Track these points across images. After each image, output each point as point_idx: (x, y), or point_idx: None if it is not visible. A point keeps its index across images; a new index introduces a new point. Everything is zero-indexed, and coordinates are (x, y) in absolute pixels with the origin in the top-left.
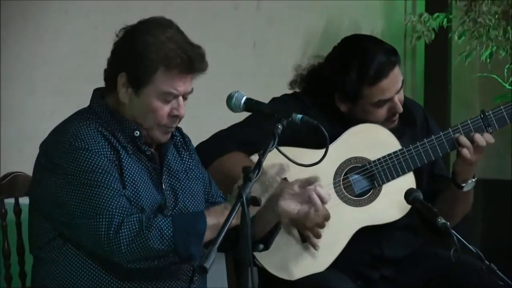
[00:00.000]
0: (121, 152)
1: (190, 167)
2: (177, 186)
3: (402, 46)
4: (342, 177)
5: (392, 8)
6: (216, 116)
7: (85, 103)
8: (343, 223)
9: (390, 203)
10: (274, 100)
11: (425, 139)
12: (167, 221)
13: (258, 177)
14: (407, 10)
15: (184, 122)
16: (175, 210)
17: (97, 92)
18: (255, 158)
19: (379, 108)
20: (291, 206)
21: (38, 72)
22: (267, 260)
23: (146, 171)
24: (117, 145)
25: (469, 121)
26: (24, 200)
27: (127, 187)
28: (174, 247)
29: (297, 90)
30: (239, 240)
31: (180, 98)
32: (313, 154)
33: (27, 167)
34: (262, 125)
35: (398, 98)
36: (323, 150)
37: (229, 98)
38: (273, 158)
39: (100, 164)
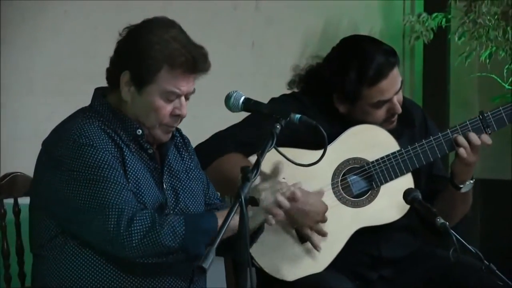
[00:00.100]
0: (124, 149)
1: (190, 167)
2: (178, 186)
3: (400, 46)
4: (340, 178)
5: (390, 8)
6: (214, 116)
7: (84, 103)
8: (342, 224)
9: (389, 203)
10: (272, 100)
11: (423, 140)
12: (179, 219)
13: (256, 177)
14: (406, 10)
15: (182, 122)
16: (176, 210)
17: (98, 91)
18: (253, 159)
19: (378, 109)
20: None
21: (37, 72)
22: (265, 261)
23: (148, 170)
24: (120, 142)
25: (467, 122)
26: (23, 200)
27: (130, 184)
28: (185, 245)
29: (296, 90)
30: (237, 240)
31: (183, 97)
32: (312, 155)
33: (26, 167)
34: (261, 125)
35: (397, 99)
36: (321, 151)
37: (228, 98)
38: (272, 158)
39: (105, 160)
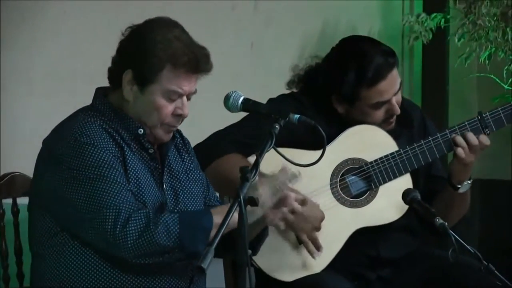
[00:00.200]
0: (125, 148)
1: (191, 168)
2: (178, 186)
3: (400, 46)
4: (339, 178)
5: (389, 8)
6: (213, 116)
7: (84, 103)
8: (340, 224)
9: (387, 204)
10: (271, 100)
11: (422, 141)
12: (173, 217)
13: (255, 177)
14: (405, 10)
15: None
16: (175, 211)
17: (100, 91)
18: (252, 159)
19: (377, 110)
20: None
21: (36, 73)
22: (264, 261)
23: (148, 170)
24: (121, 142)
25: (466, 123)
26: (22, 201)
27: (131, 184)
28: (180, 244)
29: (295, 90)
30: (236, 241)
31: (184, 97)
32: (310, 155)
33: (25, 167)
34: (260, 125)
35: (396, 100)
36: (319, 151)
37: (227, 98)
38: (270, 158)
39: (106, 159)
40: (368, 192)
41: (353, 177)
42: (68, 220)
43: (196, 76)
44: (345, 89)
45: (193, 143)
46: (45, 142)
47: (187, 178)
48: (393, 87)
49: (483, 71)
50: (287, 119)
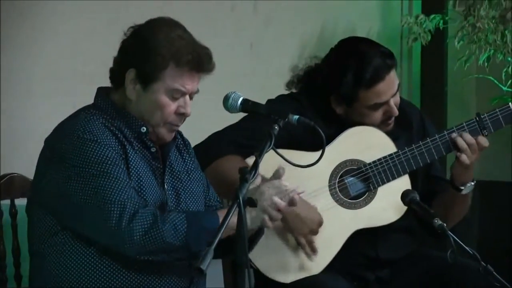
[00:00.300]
0: (127, 147)
1: (191, 169)
2: (179, 186)
3: (398, 47)
4: (337, 180)
5: (388, 9)
6: (212, 117)
7: (83, 104)
8: (339, 225)
9: (386, 205)
10: (269, 101)
11: (420, 142)
12: (181, 217)
13: (255, 178)
14: (404, 12)
15: None
16: (177, 210)
17: (101, 90)
18: (250, 161)
19: (375, 111)
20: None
21: (34, 73)
22: (262, 262)
23: (150, 169)
24: (123, 140)
25: (464, 124)
26: (20, 202)
27: (132, 182)
28: (186, 243)
29: (294, 90)
30: (236, 241)
31: (187, 96)
32: (309, 156)
33: (23, 168)
34: (259, 126)
35: (394, 102)
36: (318, 152)
37: (226, 99)
38: (269, 159)
39: (109, 156)
40: (366, 193)
41: (352, 178)
42: (71, 217)
43: (199, 75)
44: (343, 90)
45: (192, 144)
46: (47, 141)
47: (188, 178)
48: (391, 89)
49: (481, 72)
50: (286, 119)
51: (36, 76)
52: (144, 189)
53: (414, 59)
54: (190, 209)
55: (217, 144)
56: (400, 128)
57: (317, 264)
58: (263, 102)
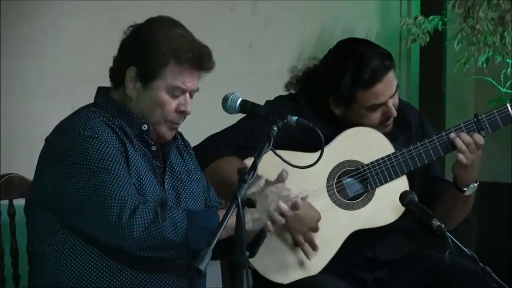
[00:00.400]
0: (127, 145)
1: (192, 169)
2: (180, 186)
3: (397, 48)
4: (335, 180)
5: (387, 10)
6: (211, 117)
7: (82, 104)
8: (337, 226)
9: (384, 206)
10: (268, 102)
11: (418, 143)
12: (181, 214)
13: (253, 178)
14: (402, 13)
15: None
16: None
17: (101, 90)
18: (248, 162)
19: (373, 112)
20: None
21: (33, 74)
22: (260, 263)
23: (150, 167)
24: (123, 138)
25: (462, 125)
26: (19, 202)
27: (132, 179)
28: (186, 241)
29: (293, 91)
30: (234, 242)
31: (187, 94)
32: (307, 157)
33: (22, 168)
34: (257, 127)
35: (392, 103)
36: (317, 154)
37: (225, 99)
38: (268, 159)
39: (109, 153)
40: (364, 194)
41: (350, 179)
42: (72, 215)
43: (199, 73)
44: (341, 91)
45: (191, 144)
46: (48, 139)
47: (189, 178)
48: (389, 90)
49: (480, 74)
50: (285, 120)
51: (36, 76)
52: (144, 187)
53: (413, 60)
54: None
55: (216, 145)
56: (399, 129)
57: (315, 265)
58: (262, 102)
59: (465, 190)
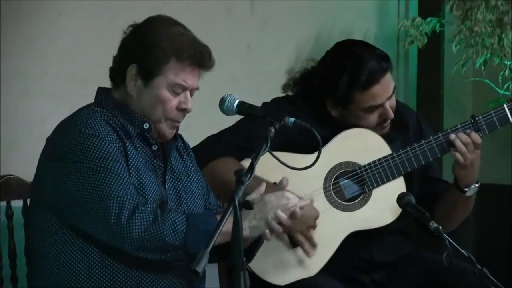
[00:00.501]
0: (127, 144)
1: (192, 170)
2: (180, 187)
3: (395, 50)
4: (332, 182)
5: (385, 12)
6: (208, 119)
7: (80, 105)
8: (334, 228)
9: (381, 207)
10: (265, 104)
11: (415, 144)
12: (181, 217)
13: (250, 180)
14: (400, 14)
15: None
16: (178, 210)
17: (102, 89)
18: (246, 163)
19: (370, 114)
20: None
21: (32, 75)
22: (257, 264)
23: (151, 167)
24: (124, 137)
25: (459, 126)
26: (16, 204)
27: (132, 179)
28: (184, 244)
29: (290, 93)
30: (231, 243)
31: (188, 92)
32: (304, 159)
33: (21, 169)
34: (255, 128)
35: (390, 104)
36: (314, 155)
37: (222, 101)
38: (266, 160)
39: (110, 152)
40: (361, 196)
41: (347, 180)
42: (72, 214)
43: (200, 71)
44: (339, 92)
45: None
46: (49, 139)
47: (189, 179)
48: (386, 91)
49: (478, 76)
50: (283, 122)
51: (35, 77)
52: (143, 186)
53: (411, 62)
54: (191, 210)
55: (214, 146)
56: (397, 130)
57: (313, 266)
58: (260, 103)
59: (466, 191)
